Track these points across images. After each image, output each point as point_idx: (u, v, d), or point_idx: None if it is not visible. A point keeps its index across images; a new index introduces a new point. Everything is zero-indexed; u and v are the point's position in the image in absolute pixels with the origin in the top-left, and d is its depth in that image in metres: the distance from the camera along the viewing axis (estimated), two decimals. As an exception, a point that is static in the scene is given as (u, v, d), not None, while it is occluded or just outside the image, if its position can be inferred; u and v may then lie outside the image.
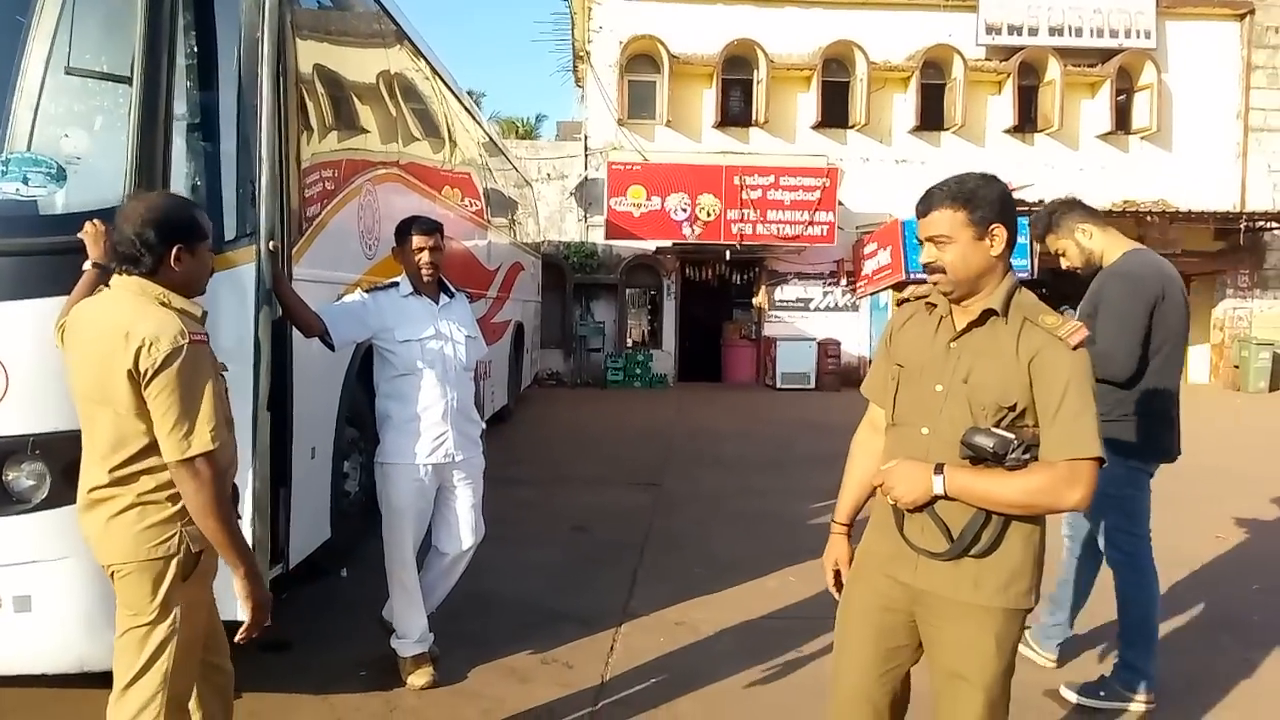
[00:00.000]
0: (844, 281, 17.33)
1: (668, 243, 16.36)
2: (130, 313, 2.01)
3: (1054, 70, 16.97)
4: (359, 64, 5.05)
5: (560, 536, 5.69)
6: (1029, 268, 14.14)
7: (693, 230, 16.03)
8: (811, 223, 16.23)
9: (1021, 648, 3.63)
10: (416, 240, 3.39)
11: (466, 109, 8.63)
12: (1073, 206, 3.53)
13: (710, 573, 4.86)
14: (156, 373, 1.93)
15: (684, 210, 16.06)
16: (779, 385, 16.07)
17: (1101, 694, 3.35)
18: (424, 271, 3.41)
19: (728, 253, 16.52)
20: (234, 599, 2.85)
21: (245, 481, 2.89)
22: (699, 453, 9.04)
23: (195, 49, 2.93)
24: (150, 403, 1.95)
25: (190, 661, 2.11)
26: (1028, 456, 1.85)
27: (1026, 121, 17.43)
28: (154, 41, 2.72)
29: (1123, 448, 3.23)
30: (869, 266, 16.01)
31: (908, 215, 15.11)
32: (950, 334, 2.00)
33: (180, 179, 2.85)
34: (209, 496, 1.97)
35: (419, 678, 3.41)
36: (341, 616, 4.14)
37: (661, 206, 15.98)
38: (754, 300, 17.76)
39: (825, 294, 17.53)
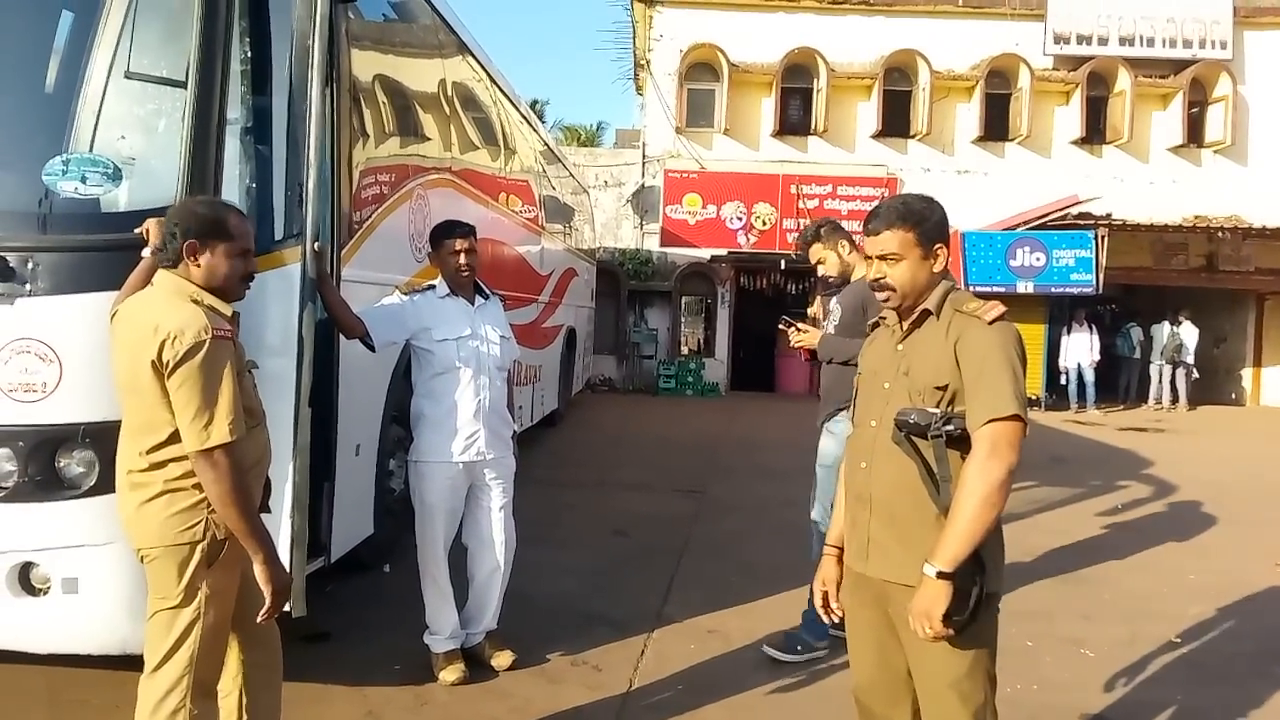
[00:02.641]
0: (901, 293, 17.07)
1: (722, 251, 16.34)
2: (161, 307, 2.10)
3: (1124, 81, 16.52)
4: (415, 73, 5.17)
5: (600, 540, 5.72)
6: (1094, 283, 13.81)
7: (748, 239, 16.00)
8: (869, 233, 16.00)
9: (811, 656, 3.85)
10: (452, 243, 3.47)
11: (524, 117, 8.75)
12: (836, 226, 4.08)
13: (747, 581, 4.84)
14: (178, 365, 2.02)
15: (739, 219, 16.03)
16: (832, 396, 15.81)
17: (798, 649, 3.79)
18: (460, 273, 3.48)
19: (783, 262, 16.42)
20: None
21: (285, 475, 2.97)
22: (746, 462, 9.00)
23: (249, 55, 3.04)
24: (172, 394, 2.03)
25: (217, 647, 2.18)
26: (949, 427, 1.96)
27: (1095, 133, 17.00)
28: (209, 48, 2.82)
29: None
30: (927, 278, 15.74)
31: (969, 226, 14.95)
32: (899, 338, 2.16)
33: (231, 181, 2.95)
34: (227, 487, 2.04)
35: (450, 673, 3.46)
36: (382, 610, 4.22)
37: (717, 215, 15.98)
38: (809, 310, 17.55)
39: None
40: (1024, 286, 13.96)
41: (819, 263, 4.01)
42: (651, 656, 3.85)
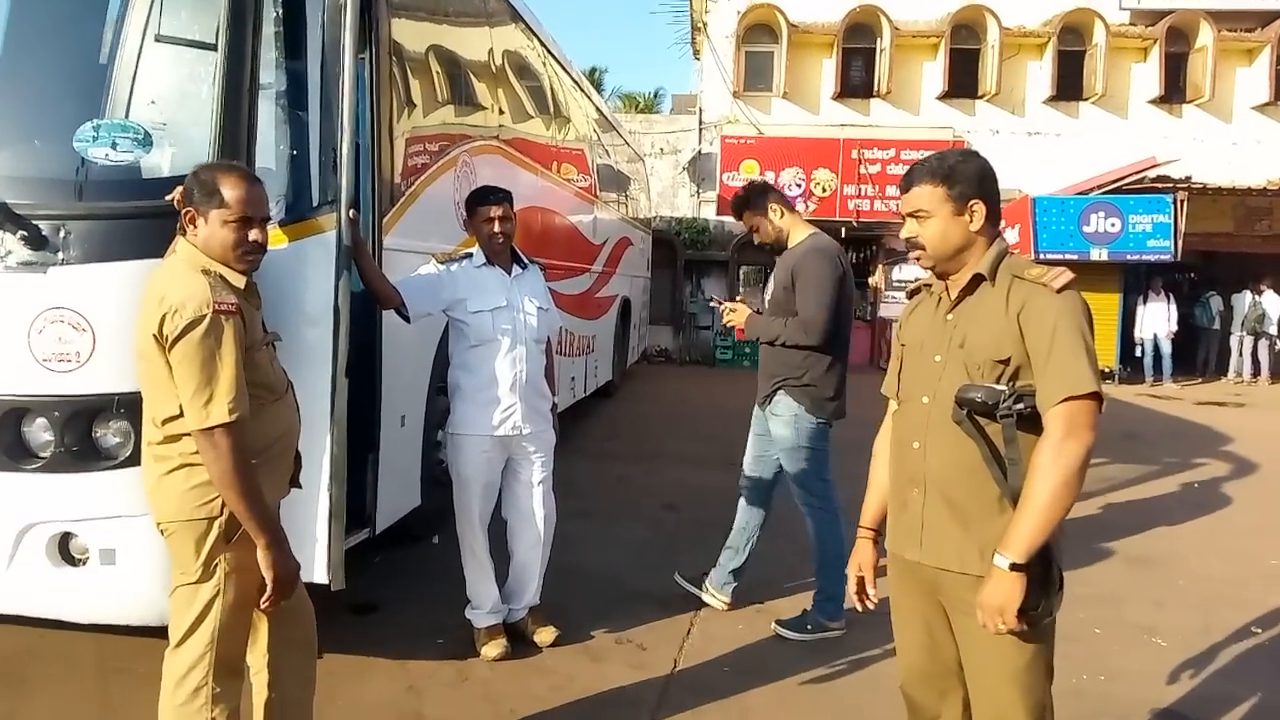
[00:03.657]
0: (969, 261, 16.57)
1: (782, 218, 16.00)
2: (169, 277, 2.04)
3: (1206, 36, 15.66)
4: (460, 39, 5.06)
5: (649, 514, 5.64)
6: (1172, 249, 13.19)
7: (807, 206, 15.62)
8: (933, 199, 15.56)
9: (704, 595, 4.02)
10: (486, 210, 3.36)
11: (577, 84, 8.61)
12: (767, 188, 3.91)
13: (798, 559, 4.67)
14: (177, 339, 1.95)
15: (799, 185, 15.68)
16: (893, 367, 15.51)
17: (809, 628, 3.73)
18: (495, 241, 3.38)
19: (843, 229, 16.00)
20: (312, 561, 2.95)
21: (323, 447, 2.93)
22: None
23: (281, 17, 2.96)
24: (174, 369, 1.97)
25: (240, 623, 2.13)
26: (1020, 406, 1.82)
27: (1174, 91, 16.17)
28: (239, 10, 2.74)
29: (815, 405, 3.70)
30: (996, 245, 15.26)
31: (1040, 191, 14.39)
32: (947, 307, 2.01)
33: (264, 146, 2.88)
34: (226, 467, 1.97)
35: (492, 649, 3.42)
36: (429, 582, 4.19)
37: (776, 181, 15.63)
38: (870, 279, 17.21)
39: (946, 273, 16.81)
40: (1098, 254, 13.40)
41: (754, 229, 3.87)
42: (698, 636, 3.76)
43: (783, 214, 3.78)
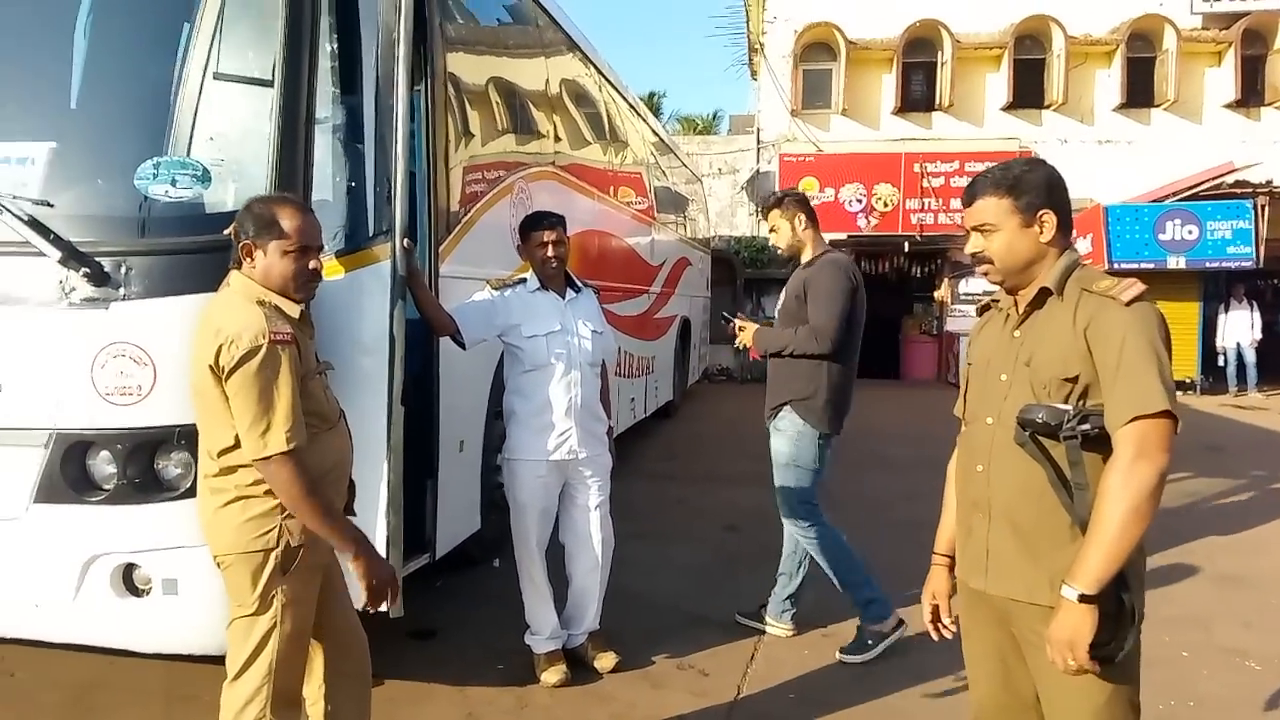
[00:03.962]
0: (1038, 273, 16.11)
1: (842, 235, 15.82)
2: (224, 309, 2.07)
3: (1286, 35, 15.07)
4: (515, 69, 5.11)
5: (710, 536, 5.56)
6: (1254, 256, 12.67)
7: (868, 221, 15.44)
8: (1000, 211, 15.23)
9: (766, 627, 3.92)
10: (539, 235, 3.37)
11: (633, 108, 8.66)
12: (803, 200, 3.91)
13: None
14: (234, 370, 1.97)
15: (859, 201, 15.49)
16: (961, 383, 15.16)
17: (870, 643, 3.65)
18: (548, 265, 3.38)
19: (906, 244, 15.79)
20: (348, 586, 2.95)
21: (380, 474, 2.94)
22: (866, 453, 8.61)
23: (336, 52, 3.01)
24: (231, 400, 1.98)
25: (297, 656, 2.13)
26: (1085, 426, 1.72)
27: (1251, 95, 15.54)
28: (295, 47, 2.80)
29: (820, 421, 3.68)
30: (1067, 256, 14.83)
31: (1111, 199, 13.96)
32: (1014, 324, 1.91)
33: (320, 178, 2.92)
34: (296, 491, 1.99)
35: (552, 675, 3.38)
36: (489, 608, 4.18)
37: (835, 198, 15.49)
38: (935, 294, 16.88)
39: (1014, 287, 16.40)
40: (1175, 262, 12.93)
41: (772, 229, 3.91)
42: (761, 661, 3.67)
43: (806, 226, 3.82)
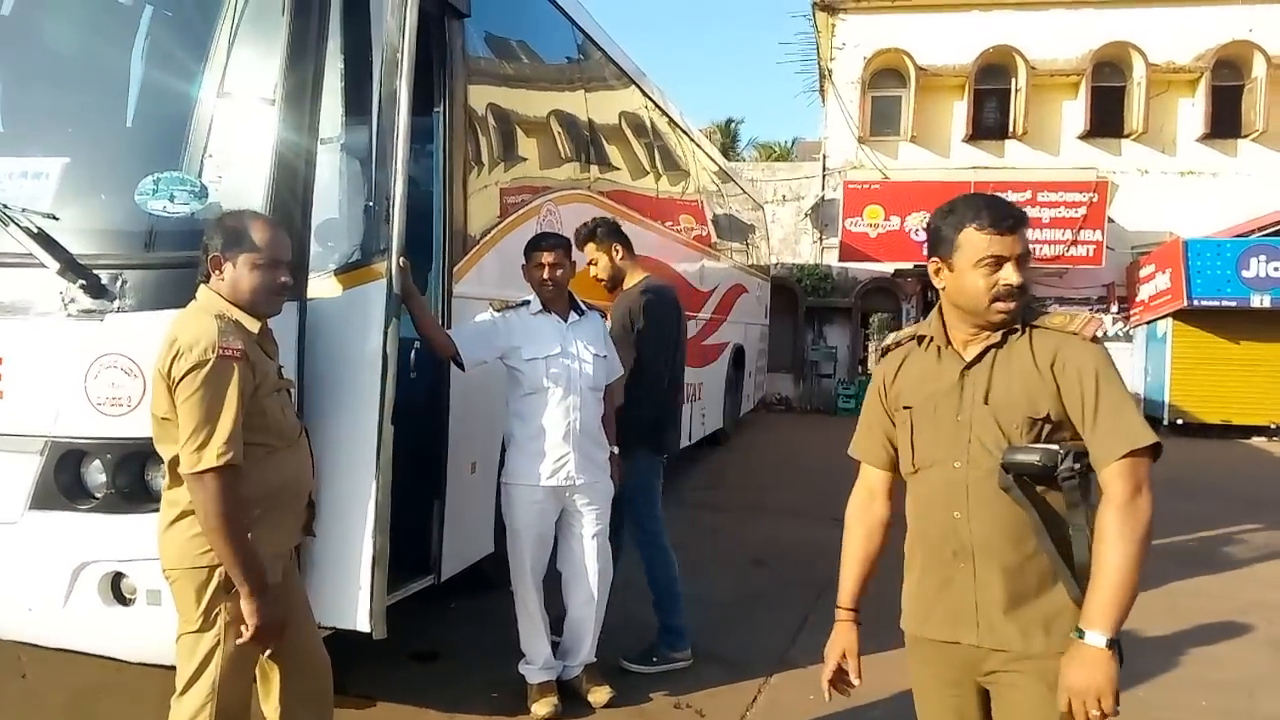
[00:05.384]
0: (1115, 308, 15.52)
1: (908, 264, 15.52)
2: (182, 321, 2.08)
3: (1385, 63, 14.28)
4: (552, 97, 5.13)
5: (736, 569, 5.42)
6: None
7: (936, 250, 15.07)
8: (1075, 242, 14.79)
9: (668, 667, 3.81)
10: (537, 256, 3.34)
11: (687, 134, 8.66)
12: (615, 228, 3.98)
13: (886, 626, 4.36)
14: (180, 380, 1.97)
15: (926, 230, 15.17)
16: (1033, 419, 14.64)
17: (654, 659, 3.78)
18: (545, 287, 3.34)
19: (975, 275, 15.35)
20: (330, 605, 2.92)
21: (369, 494, 2.93)
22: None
23: (340, 71, 3.04)
24: (177, 410, 1.98)
25: (240, 675, 2.11)
26: (1079, 465, 1.68)
27: (1346, 125, 14.79)
28: (297, 66, 2.83)
29: (652, 441, 3.84)
30: (1145, 291, 14.27)
31: (1192, 234, 13.38)
32: (959, 362, 1.82)
33: (319, 196, 2.94)
34: (213, 511, 1.96)
35: (542, 707, 3.32)
36: (495, 632, 4.11)
37: (901, 226, 15.20)
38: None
39: (1092, 321, 15.81)
40: (1259, 300, 12.32)
41: (591, 262, 3.94)
42: (764, 705, 3.54)
43: (623, 255, 3.90)
